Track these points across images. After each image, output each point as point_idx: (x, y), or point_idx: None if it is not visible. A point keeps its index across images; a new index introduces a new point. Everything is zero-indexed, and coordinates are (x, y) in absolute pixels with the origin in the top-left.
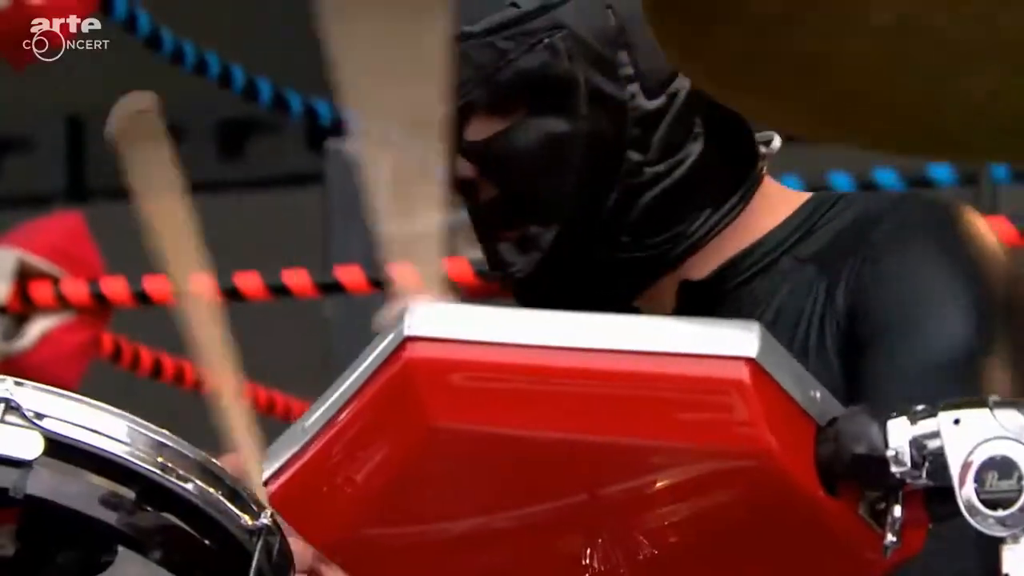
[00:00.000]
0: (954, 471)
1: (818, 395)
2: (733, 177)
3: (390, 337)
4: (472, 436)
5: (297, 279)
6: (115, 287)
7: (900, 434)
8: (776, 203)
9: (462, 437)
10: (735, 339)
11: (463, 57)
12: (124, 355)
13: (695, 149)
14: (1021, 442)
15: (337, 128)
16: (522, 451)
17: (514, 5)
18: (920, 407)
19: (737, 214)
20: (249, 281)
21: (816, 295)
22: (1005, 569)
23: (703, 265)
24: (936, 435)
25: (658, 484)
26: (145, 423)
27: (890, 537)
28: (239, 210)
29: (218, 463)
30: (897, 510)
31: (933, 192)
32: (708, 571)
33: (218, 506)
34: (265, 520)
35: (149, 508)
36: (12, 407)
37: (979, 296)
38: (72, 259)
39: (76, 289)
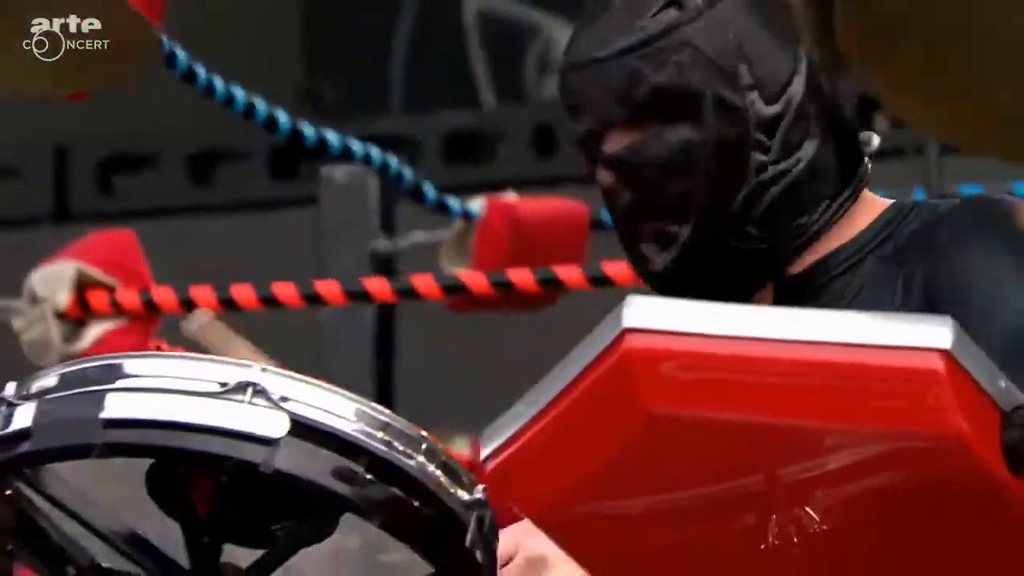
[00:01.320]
0: None
1: (1003, 384)
2: (844, 174)
3: (609, 328)
4: (685, 422)
5: (284, 291)
6: (164, 295)
7: None
8: (867, 206)
9: (676, 423)
10: (931, 332)
11: (598, 78)
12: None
13: (811, 149)
14: None
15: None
16: (730, 436)
17: (644, 28)
18: None
19: (848, 208)
20: (241, 293)
21: (895, 291)
22: None
23: (800, 261)
24: None
25: (854, 466)
26: (372, 404)
27: None
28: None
29: (435, 440)
30: None
31: (990, 193)
32: (886, 551)
33: (436, 480)
34: (478, 495)
35: (377, 481)
36: (259, 391)
37: None
38: (125, 270)
39: (128, 298)
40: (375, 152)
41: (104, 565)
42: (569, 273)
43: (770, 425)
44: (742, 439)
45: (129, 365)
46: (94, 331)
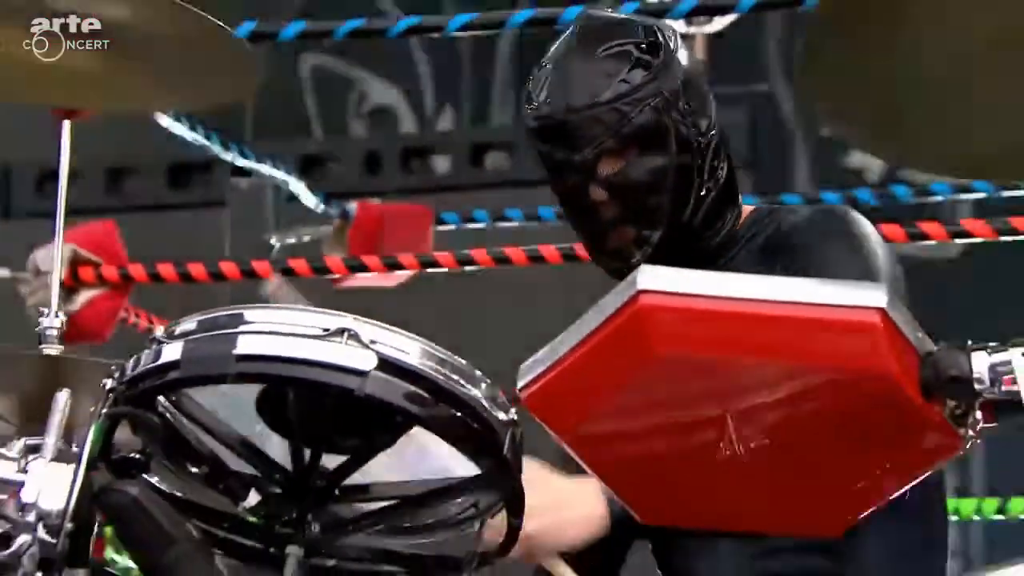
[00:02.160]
0: (1022, 387)
1: (920, 335)
2: (735, 188)
3: (626, 289)
4: (680, 361)
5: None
6: (136, 270)
7: (981, 362)
8: (741, 212)
9: (674, 362)
10: (871, 295)
11: (595, 119)
12: (140, 317)
13: (722, 172)
14: None
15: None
16: (716, 371)
17: (624, 81)
18: (994, 344)
19: (740, 213)
20: (197, 269)
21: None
22: None
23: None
24: (1008, 363)
25: (807, 392)
26: (434, 345)
27: (970, 433)
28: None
29: (481, 374)
30: (977, 415)
31: (836, 206)
32: (828, 453)
33: (481, 404)
34: (512, 416)
35: (438, 403)
36: (353, 335)
37: (872, 271)
38: (107, 251)
39: (109, 271)
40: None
41: (231, 468)
42: (410, 259)
43: (747, 363)
44: (725, 374)
45: (249, 314)
46: (83, 296)
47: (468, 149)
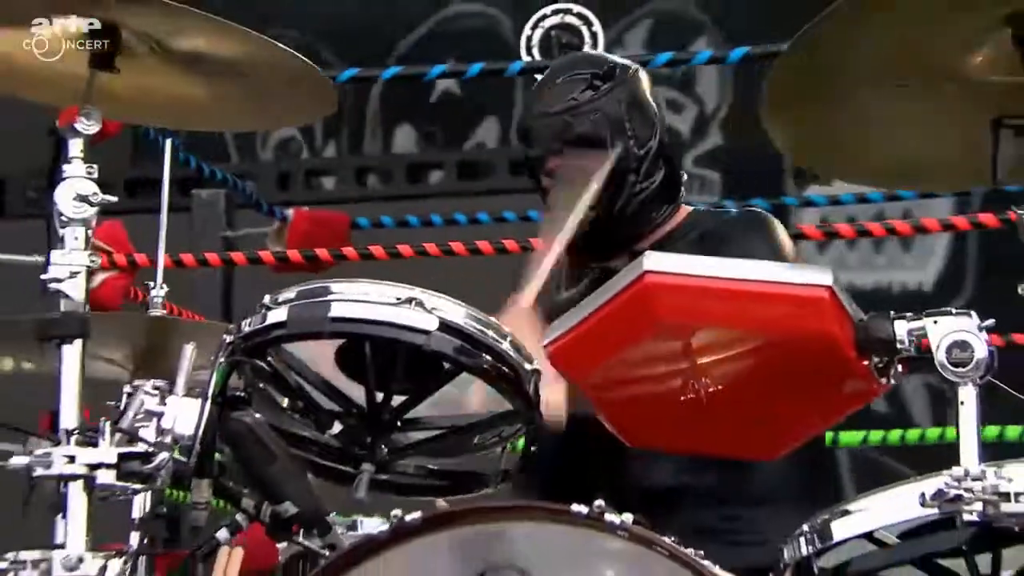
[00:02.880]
0: (934, 346)
1: (854, 307)
2: (673, 192)
3: (634, 269)
4: (675, 325)
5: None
6: (140, 258)
7: (901, 328)
8: (681, 210)
9: (670, 326)
10: (821, 275)
11: (547, 126)
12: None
13: (659, 177)
14: (972, 332)
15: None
16: (699, 333)
17: (574, 99)
18: (911, 314)
19: (675, 210)
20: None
21: None
22: (961, 397)
23: (646, 241)
24: (922, 329)
25: (763, 349)
26: (476, 309)
27: (892, 381)
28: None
29: (507, 328)
30: (897, 368)
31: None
32: (776, 395)
33: (511, 353)
34: (536, 366)
35: (481, 354)
36: (419, 303)
37: (781, 257)
38: (117, 242)
39: (119, 258)
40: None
41: (324, 406)
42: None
43: (724, 327)
44: (705, 336)
45: (335, 287)
46: (99, 277)
47: (352, 172)
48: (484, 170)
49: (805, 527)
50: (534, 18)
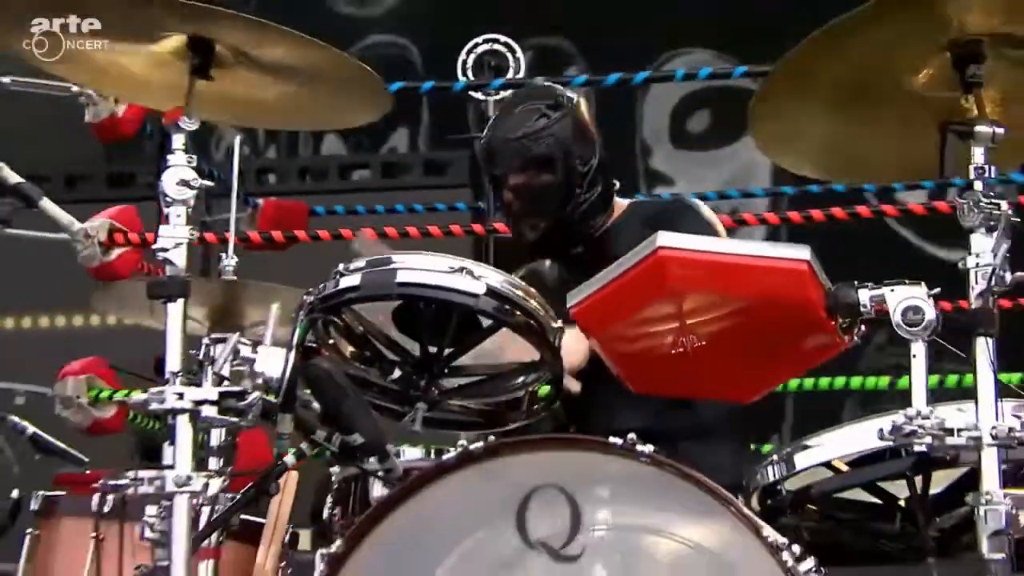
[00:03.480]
0: (891, 310)
1: (825, 276)
2: (608, 197)
3: (649, 245)
4: (682, 293)
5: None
6: (149, 236)
7: (864, 294)
8: (617, 207)
9: (678, 293)
10: (800, 252)
11: (508, 148)
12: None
13: (599, 187)
14: (922, 298)
15: None
16: (700, 299)
17: (529, 126)
18: (871, 284)
19: (611, 213)
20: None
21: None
22: (913, 351)
23: (592, 234)
24: (881, 296)
25: (748, 310)
26: (510, 275)
27: (856, 340)
28: None
29: (535, 292)
30: (860, 328)
31: (686, 198)
32: (754, 350)
33: (540, 312)
34: (560, 324)
35: (516, 313)
36: (469, 271)
37: (712, 234)
38: (131, 224)
39: (133, 236)
40: None
41: (386, 356)
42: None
43: (722, 295)
44: (707, 301)
45: (396, 258)
46: (115, 252)
47: (297, 170)
48: (401, 169)
49: (774, 456)
50: (469, 44)
